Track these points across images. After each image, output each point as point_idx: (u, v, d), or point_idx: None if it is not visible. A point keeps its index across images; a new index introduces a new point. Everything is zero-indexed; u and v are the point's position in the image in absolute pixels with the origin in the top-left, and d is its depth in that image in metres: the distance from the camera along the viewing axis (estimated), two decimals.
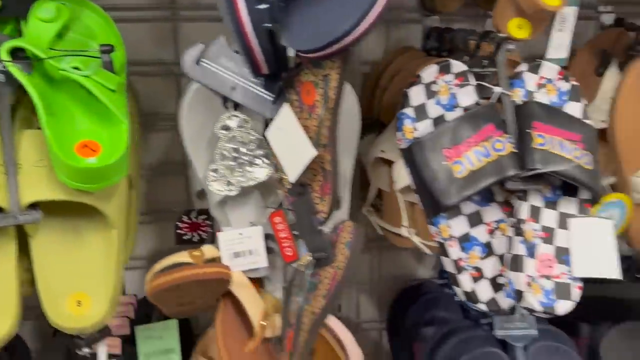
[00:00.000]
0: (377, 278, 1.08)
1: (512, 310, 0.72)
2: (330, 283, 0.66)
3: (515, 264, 0.67)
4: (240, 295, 0.68)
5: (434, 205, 0.66)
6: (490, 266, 0.70)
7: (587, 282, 0.99)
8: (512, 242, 0.68)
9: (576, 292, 0.68)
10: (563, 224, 0.69)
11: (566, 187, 0.70)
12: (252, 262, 0.71)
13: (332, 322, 0.89)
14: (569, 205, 0.70)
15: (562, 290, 0.67)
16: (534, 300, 0.66)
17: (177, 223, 0.76)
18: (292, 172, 0.63)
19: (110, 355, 0.80)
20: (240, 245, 0.70)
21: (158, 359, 0.79)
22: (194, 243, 0.77)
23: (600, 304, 0.90)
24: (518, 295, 0.66)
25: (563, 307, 0.67)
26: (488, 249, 0.70)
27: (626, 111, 0.78)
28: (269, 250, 0.72)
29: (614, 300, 0.93)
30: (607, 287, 0.90)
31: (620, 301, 0.93)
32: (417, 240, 0.73)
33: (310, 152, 0.60)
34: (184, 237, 0.76)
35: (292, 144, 0.63)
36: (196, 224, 0.76)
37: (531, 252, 0.67)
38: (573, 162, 0.66)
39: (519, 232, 0.67)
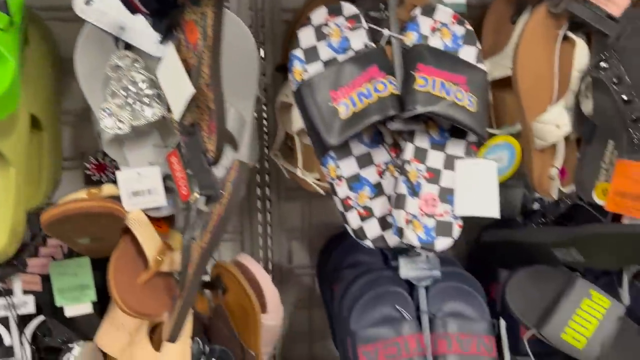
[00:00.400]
0: (307, 225, 1.11)
1: (408, 249, 0.75)
2: (216, 219, 0.68)
3: (398, 202, 0.69)
4: (137, 231, 0.71)
5: (320, 145, 0.68)
6: (379, 206, 0.72)
7: (506, 227, 1.04)
8: (397, 182, 0.70)
9: (457, 230, 0.70)
10: (449, 165, 0.71)
11: (455, 129, 0.71)
12: (152, 201, 0.73)
13: (247, 261, 0.93)
14: (456, 148, 0.72)
15: (443, 228, 0.70)
16: (413, 236, 0.68)
17: (85, 164, 0.78)
18: (176, 110, 0.65)
19: (29, 292, 0.84)
20: (139, 185, 0.72)
21: (72, 294, 0.82)
22: (102, 184, 0.80)
23: (519, 250, 0.94)
24: (399, 232, 0.69)
25: (442, 243, 0.69)
26: (377, 190, 0.72)
27: (527, 56, 0.79)
28: (170, 190, 0.74)
29: (533, 245, 0.96)
30: (528, 234, 0.94)
31: (538, 246, 0.96)
32: (310, 180, 0.75)
33: (189, 90, 0.62)
34: (92, 178, 0.79)
35: (175, 82, 0.64)
36: (103, 165, 0.78)
37: (415, 191, 0.69)
38: (453, 104, 0.67)
39: (403, 172, 0.69)
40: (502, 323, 0.85)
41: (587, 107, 0.80)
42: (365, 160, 0.72)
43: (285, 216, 1.08)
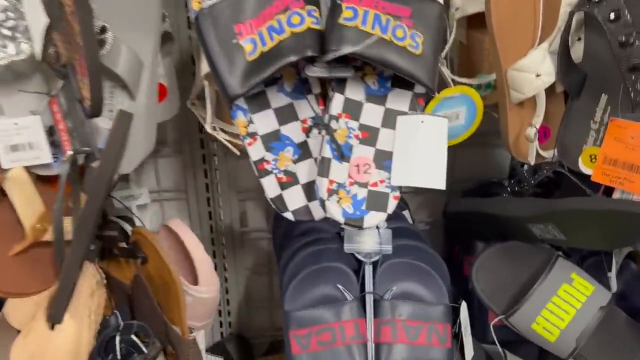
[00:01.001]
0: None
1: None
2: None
3: (322, 167, 0.56)
4: (11, 193, 0.59)
5: (225, 94, 0.55)
6: (305, 170, 0.59)
7: (485, 193, 0.89)
8: (322, 143, 0.56)
9: (392, 203, 0.57)
10: (389, 123, 0.57)
11: (398, 78, 0.57)
12: (34, 156, 0.61)
13: (177, 226, 0.82)
14: (399, 101, 0.57)
15: (376, 201, 0.57)
16: (336, 210, 0.55)
17: None
18: (35, 44, 0.52)
19: None
20: (18, 138, 0.60)
21: None
22: None
23: (491, 224, 0.80)
24: (322, 203, 0.56)
25: (373, 219, 0.56)
26: (303, 150, 0.59)
27: None
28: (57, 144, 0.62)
29: (506, 219, 0.82)
30: (498, 206, 0.79)
31: (510, 220, 0.82)
32: (221, 137, 0.62)
33: (42, 19, 0.49)
34: None
35: (34, 13, 0.51)
36: None
37: (343, 154, 0.56)
38: (390, 44, 0.52)
39: (328, 130, 0.56)
40: (464, 305, 0.72)
41: (577, 52, 0.65)
42: (287, 114, 0.58)
43: (236, 175, 0.95)
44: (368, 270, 0.71)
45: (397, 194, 0.57)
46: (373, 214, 0.56)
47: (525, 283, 0.74)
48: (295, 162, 0.58)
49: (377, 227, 0.71)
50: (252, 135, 0.57)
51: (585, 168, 0.65)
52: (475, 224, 0.81)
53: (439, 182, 0.55)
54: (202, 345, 0.83)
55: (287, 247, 0.82)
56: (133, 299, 0.78)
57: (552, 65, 0.63)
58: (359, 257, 0.72)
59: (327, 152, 0.55)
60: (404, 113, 0.56)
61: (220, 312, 1.09)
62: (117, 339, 0.71)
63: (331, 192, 0.55)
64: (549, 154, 0.68)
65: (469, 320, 0.81)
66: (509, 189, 0.79)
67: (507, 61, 0.65)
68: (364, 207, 0.56)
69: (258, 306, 1.10)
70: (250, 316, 1.11)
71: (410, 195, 0.97)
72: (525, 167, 0.85)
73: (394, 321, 0.68)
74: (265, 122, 0.57)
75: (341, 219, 0.55)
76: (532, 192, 0.78)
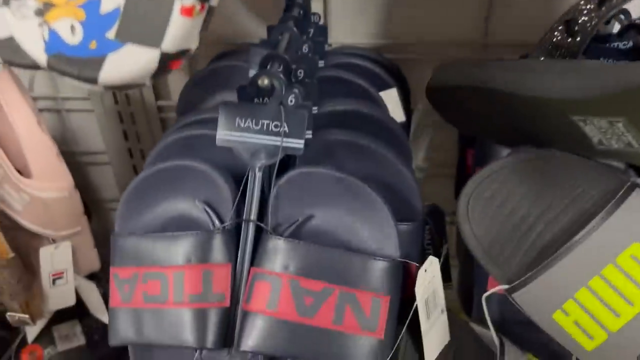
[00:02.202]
0: None
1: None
2: None
3: None
4: None
5: None
6: None
7: None
8: None
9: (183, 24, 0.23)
10: None
11: None
12: None
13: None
14: None
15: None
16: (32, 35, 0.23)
17: None
18: None
19: None
20: None
21: None
22: None
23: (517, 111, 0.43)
24: None
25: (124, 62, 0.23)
26: None
27: None
28: None
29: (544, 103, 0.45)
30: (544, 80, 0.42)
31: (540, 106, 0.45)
32: None
33: None
34: None
35: None
36: None
37: None
38: None
39: None
40: (432, 260, 0.39)
41: None
42: None
43: None
44: (255, 180, 0.39)
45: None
46: (130, 51, 0.23)
47: (557, 233, 0.38)
48: None
49: (281, 102, 0.38)
50: None
51: None
52: (476, 113, 0.45)
53: None
54: (68, 261, 0.58)
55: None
56: None
57: None
58: (242, 157, 0.39)
59: None
60: None
61: None
62: None
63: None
64: None
65: (466, 285, 0.49)
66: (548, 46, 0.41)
67: None
68: (110, 34, 0.23)
69: None
70: None
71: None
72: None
73: (280, 277, 0.37)
74: None
75: (41, 57, 0.23)
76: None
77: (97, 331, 0.72)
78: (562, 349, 0.44)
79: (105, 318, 0.64)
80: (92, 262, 0.63)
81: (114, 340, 0.40)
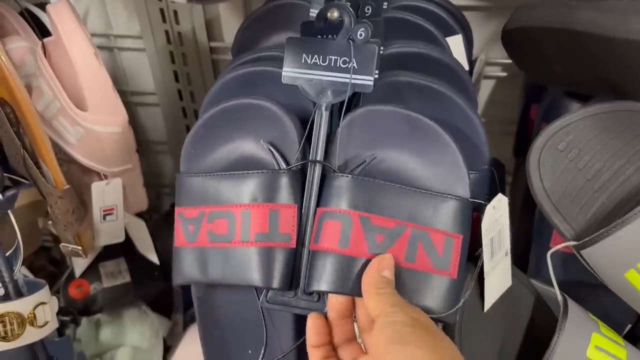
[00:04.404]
0: None
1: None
2: None
3: None
4: None
5: None
6: None
7: None
8: None
9: None
10: None
11: None
12: None
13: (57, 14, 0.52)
14: None
15: None
16: None
17: None
18: None
19: None
20: None
21: None
22: None
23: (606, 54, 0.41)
24: None
25: None
26: None
27: None
28: None
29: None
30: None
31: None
32: None
33: None
34: None
35: None
36: None
37: None
38: None
39: None
40: (502, 202, 0.38)
41: None
42: None
43: None
44: (322, 117, 0.37)
45: None
46: None
47: (633, 190, 0.37)
48: None
49: (350, 36, 0.37)
50: None
51: None
52: (555, 58, 0.42)
53: None
54: (118, 198, 0.58)
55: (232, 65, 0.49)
56: None
57: None
58: (308, 95, 0.38)
59: None
60: None
61: None
62: None
63: None
64: None
65: (523, 241, 0.47)
66: None
67: None
68: None
69: None
70: None
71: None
72: None
73: (350, 214, 0.36)
74: None
75: None
76: None
77: (142, 269, 0.73)
78: (623, 316, 0.42)
79: (152, 256, 0.64)
80: (141, 201, 0.63)
81: (178, 279, 0.40)
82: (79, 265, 0.73)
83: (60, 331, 0.72)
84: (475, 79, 0.59)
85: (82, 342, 0.71)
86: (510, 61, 0.59)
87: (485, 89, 0.64)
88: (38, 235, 0.66)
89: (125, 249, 0.70)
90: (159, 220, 0.74)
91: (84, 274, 0.73)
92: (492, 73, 0.63)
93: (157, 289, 0.78)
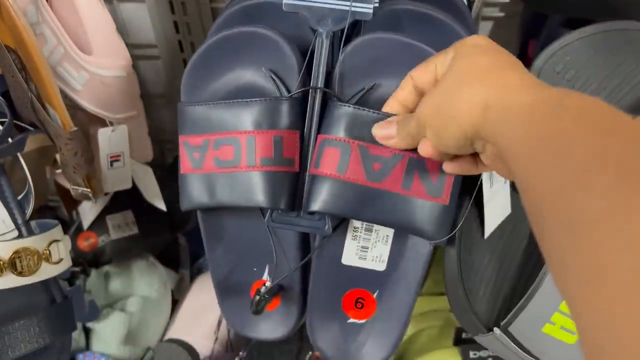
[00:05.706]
0: None
1: None
2: None
3: None
4: None
5: None
6: None
7: None
8: None
9: None
10: None
11: None
12: None
13: None
14: None
15: None
16: None
17: None
18: None
19: None
20: None
21: None
22: None
23: None
24: None
25: None
26: None
27: None
28: None
29: None
30: None
31: None
32: None
33: None
34: None
35: None
36: None
37: None
38: None
39: None
40: None
41: None
42: None
43: None
44: (321, 47, 0.38)
45: None
46: None
47: (627, 109, 0.38)
48: None
49: None
50: None
51: None
52: None
53: None
54: (124, 144, 0.59)
55: None
56: None
57: None
58: (309, 22, 0.39)
59: None
60: None
61: None
62: None
63: None
64: None
65: None
66: None
67: None
68: None
69: None
70: None
71: None
72: None
73: (349, 143, 0.37)
74: None
75: None
76: None
77: (149, 221, 0.75)
78: None
79: (159, 203, 0.66)
80: (146, 150, 0.64)
81: (186, 204, 0.41)
82: (87, 218, 0.75)
83: (70, 282, 0.73)
84: (474, 20, 0.59)
85: (92, 293, 0.73)
86: (507, 0, 0.59)
87: (483, 31, 0.65)
88: (46, 188, 0.67)
89: (133, 201, 0.71)
90: (164, 172, 0.75)
91: (92, 227, 0.74)
92: (490, 14, 0.63)
93: (164, 240, 0.79)
